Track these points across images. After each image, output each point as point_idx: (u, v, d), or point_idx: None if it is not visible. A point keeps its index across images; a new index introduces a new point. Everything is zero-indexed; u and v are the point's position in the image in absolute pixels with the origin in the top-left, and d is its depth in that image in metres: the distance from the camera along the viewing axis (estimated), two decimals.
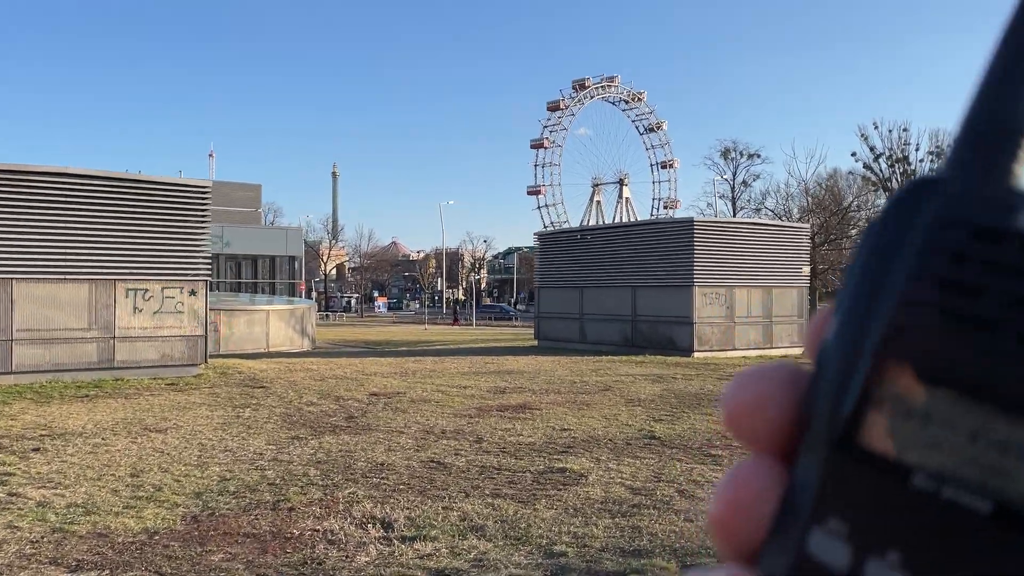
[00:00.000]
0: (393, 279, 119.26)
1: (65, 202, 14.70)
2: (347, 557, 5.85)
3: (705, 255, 24.11)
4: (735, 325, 25.05)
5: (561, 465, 8.60)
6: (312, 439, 10.04)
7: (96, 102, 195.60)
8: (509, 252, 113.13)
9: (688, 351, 23.82)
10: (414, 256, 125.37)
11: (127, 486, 7.67)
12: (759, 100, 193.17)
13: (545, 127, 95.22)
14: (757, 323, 25.72)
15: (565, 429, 10.85)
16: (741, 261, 24.89)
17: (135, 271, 15.48)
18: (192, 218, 16.14)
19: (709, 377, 17.55)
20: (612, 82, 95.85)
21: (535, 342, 29.73)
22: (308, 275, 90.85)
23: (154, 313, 15.69)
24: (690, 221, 24.85)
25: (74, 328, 14.90)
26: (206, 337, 16.33)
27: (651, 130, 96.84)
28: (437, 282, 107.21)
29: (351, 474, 8.24)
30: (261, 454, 9.18)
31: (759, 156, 65.24)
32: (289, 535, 6.33)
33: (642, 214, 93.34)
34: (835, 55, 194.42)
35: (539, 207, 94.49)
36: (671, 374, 18.10)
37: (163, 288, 15.78)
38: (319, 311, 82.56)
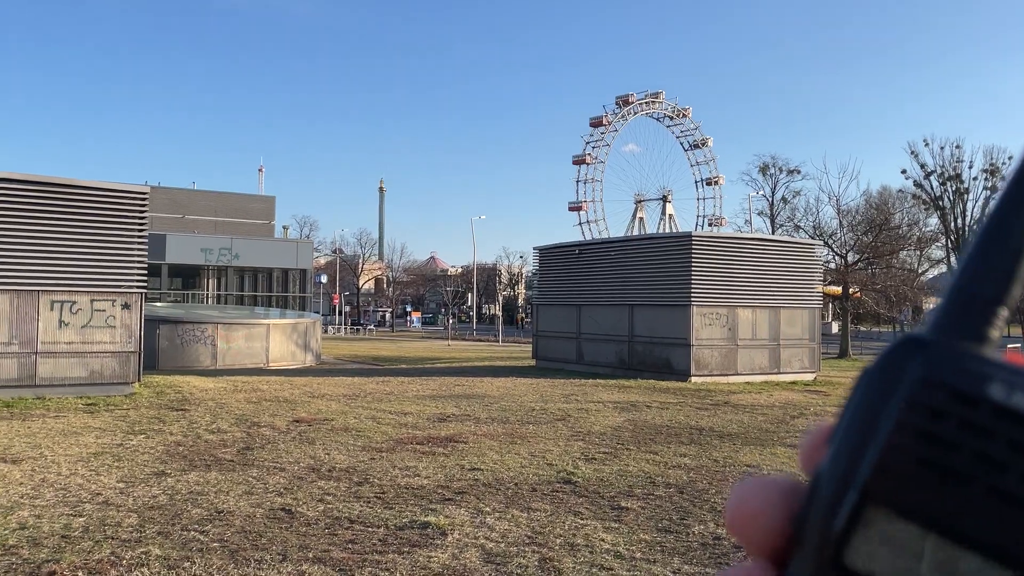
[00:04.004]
0: (431, 294, 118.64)
1: None
2: None
3: (704, 272, 22.46)
4: (738, 348, 23.32)
5: (428, 519, 7.23)
6: (174, 476, 8.81)
7: (144, 117, 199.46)
8: None
9: (685, 375, 22.18)
10: (452, 271, 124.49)
11: None
12: (806, 116, 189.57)
13: (588, 143, 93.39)
14: (763, 346, 23.95)
15: (474, 469, 9.46)
16: (744, 279, 23.17)
17: (61, 282, 14.47)
18: (127, 226, 15.11)
19: (689, 407, 15.97)
20: (656, 98, 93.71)
21: (533, 362, 28.30)
22: (343, 289, 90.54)
23: (82, 327, 14.66)
24: (687, 236, 23.26)
25: None
26: (140, 353, 15.23)
27: (696, 146, 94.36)
28: (468, 297, 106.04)
29: (171, 525, 6.96)
30: (98, 494, 7.97)
31: (799, 172, 62.77)
32: None
33: None
34: (886, 71, 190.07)
35: (580, 223, 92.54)
36: (648, 402, 16.56)
37: (93, 300, 14.75)
38: (352, 325, 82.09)
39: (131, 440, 10.88)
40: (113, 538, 6.59)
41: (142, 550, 6.27)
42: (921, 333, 0.35)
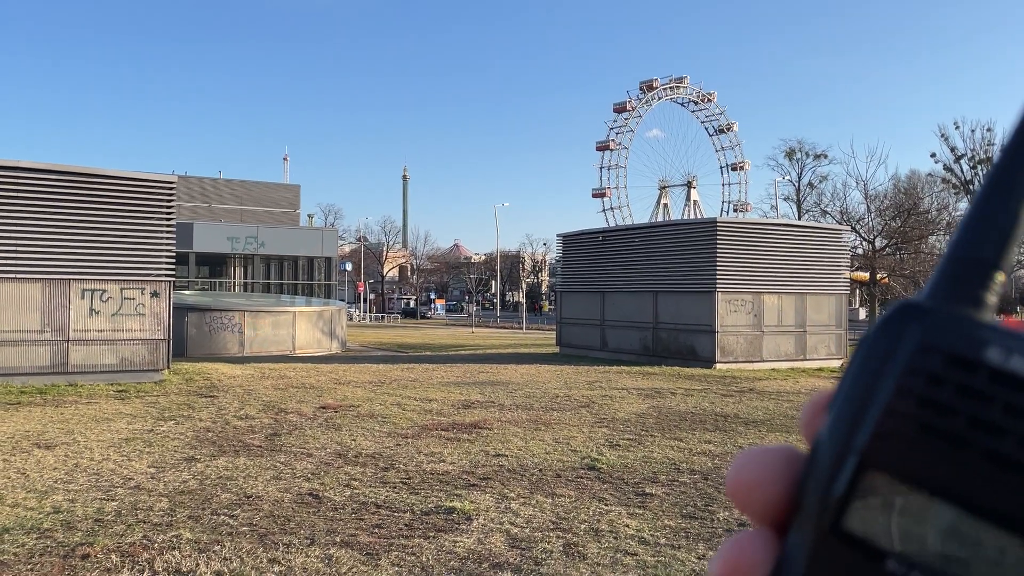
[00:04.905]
0: (454, 281, 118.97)
1: (17, 197, 14.00)
2: None
3: (729, 259, 22.34)
4: (763, 335, 23.19)
5: (453, 504, 7.29)
6: (203, 461, 8.94)
7: (170, 107, 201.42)
8: None
9: (710, 362, 22.10)
10: (475, 258, 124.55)
11: None
12: (833, 100, 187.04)
13: (611, 129, 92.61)
14: (789, 332, 23.79)
15: (498, 455, 9.51)
16: (770, 265, 23.02)
17: (92, 271, 14.69)
18: (155, 215, 15.30)
19: (713, 393, 15.92)
20: (681, 82, 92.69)
21: (557, 349, 28.32)
22: (368, 277, 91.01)
23: (112, 315, 14.89)
24: (712, 222, 23.11)
25: (25, 330, 14.19)
26: (169, 341, 15.45)
27: (721, 131, 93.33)
28: (492, 284, 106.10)
29: (201, 510, 7.08)
30: (130, 479, 8.12)
31: (826, 156, 61.98)
32: None
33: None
34: (915, 53, 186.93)
35: (604, 210, 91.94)
36: (673, 388, 16.52)
37: (122, 289, 14.97)
38: (376, 312, 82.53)
39: (161, 426, 11.05)
40: (145, 522, 6.71)
41: (173, 534, 6.39)
42: (918, 299, 0.36)
